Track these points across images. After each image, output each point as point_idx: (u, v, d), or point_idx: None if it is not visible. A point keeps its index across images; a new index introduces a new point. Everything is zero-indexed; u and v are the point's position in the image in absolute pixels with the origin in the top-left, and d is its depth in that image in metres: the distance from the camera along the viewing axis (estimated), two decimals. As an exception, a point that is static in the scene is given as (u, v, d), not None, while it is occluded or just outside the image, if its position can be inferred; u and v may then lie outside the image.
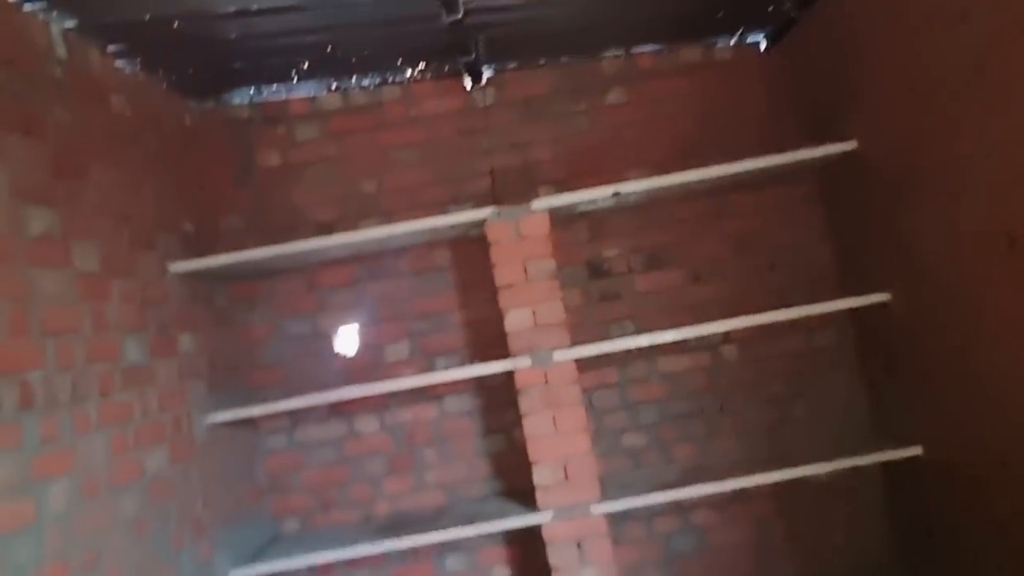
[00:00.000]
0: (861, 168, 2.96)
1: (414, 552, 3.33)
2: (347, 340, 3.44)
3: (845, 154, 2.96)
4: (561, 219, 3.23)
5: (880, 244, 2.96)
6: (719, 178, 3.00)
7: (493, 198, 3.32)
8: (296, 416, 3.39)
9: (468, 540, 3.33)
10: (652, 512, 3.35)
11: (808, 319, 3.21)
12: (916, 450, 2.86)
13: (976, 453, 2.53)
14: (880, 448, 2.97)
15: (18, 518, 1.84)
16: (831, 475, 3.18)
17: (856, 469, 3.13)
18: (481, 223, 3.02)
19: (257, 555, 3.05)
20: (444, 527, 2.99)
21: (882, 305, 2.94)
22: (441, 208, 3.36)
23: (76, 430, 2.11)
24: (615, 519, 3.22)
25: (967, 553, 2.66)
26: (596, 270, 3.45)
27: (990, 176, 2.22)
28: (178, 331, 2.82)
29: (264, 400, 3.17)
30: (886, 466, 3.14)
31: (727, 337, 3.35)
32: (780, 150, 2.98)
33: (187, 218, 3.09)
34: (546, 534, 2.93)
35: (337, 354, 3.43)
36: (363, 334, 3.45)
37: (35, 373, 1.99)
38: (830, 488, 3.28)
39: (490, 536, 3.33)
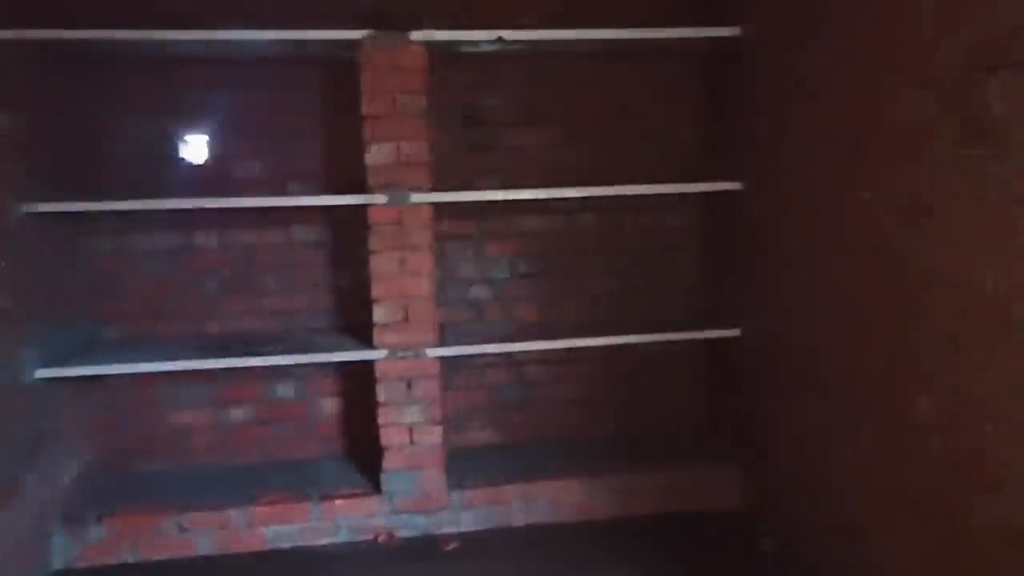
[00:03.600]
0: (741, 57, 2.97)
1: (245, 373, 3.29)
2: (194, 148, 3.19)
3: (727, 39, 2.95)
4: (443, 58, 3.06)
5: (743, 134, 3.02)
6: (603, 41, 2.94)
7: (372, 20, 3.09)
8: (129, 219, 3.17)
9: (300, 368, 3.33)
10: (487, 363, 3.46)
11: (664, 198, 3.34)
12: (734, 332, 3.09)
13: (779, 339, 2.77)
14: (704, 327, 3.18)
15: None
16: (658, 345, 3.40)
17: (685, 342, 3.36)
18: (354, 45, 2.82)
19: (71, 357, 2.91)
20: (277, 353, 2.96)
21: (733, 194, 3.04)
22: (314, 21, 3.09)
23: None
24: (450, 365, 3.31)
25: (761, 421, 2.96)
26: (471, 117, 3.34)
27: (846, 84, 2.28)
28: (-8, 105, 2.51)
29: (94, 198, 2.92)
30: (709, 343, 3.38)
31: (586, 204, 3.39)
32: (671, 25, 2.93)
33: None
34: (379, 371, 2.97)
35: (181, 161, 3.19)
36: (212, 145, 3.21)
37: None
38: (657, 357, 3.50)
39: (322, 367, 3.34)
